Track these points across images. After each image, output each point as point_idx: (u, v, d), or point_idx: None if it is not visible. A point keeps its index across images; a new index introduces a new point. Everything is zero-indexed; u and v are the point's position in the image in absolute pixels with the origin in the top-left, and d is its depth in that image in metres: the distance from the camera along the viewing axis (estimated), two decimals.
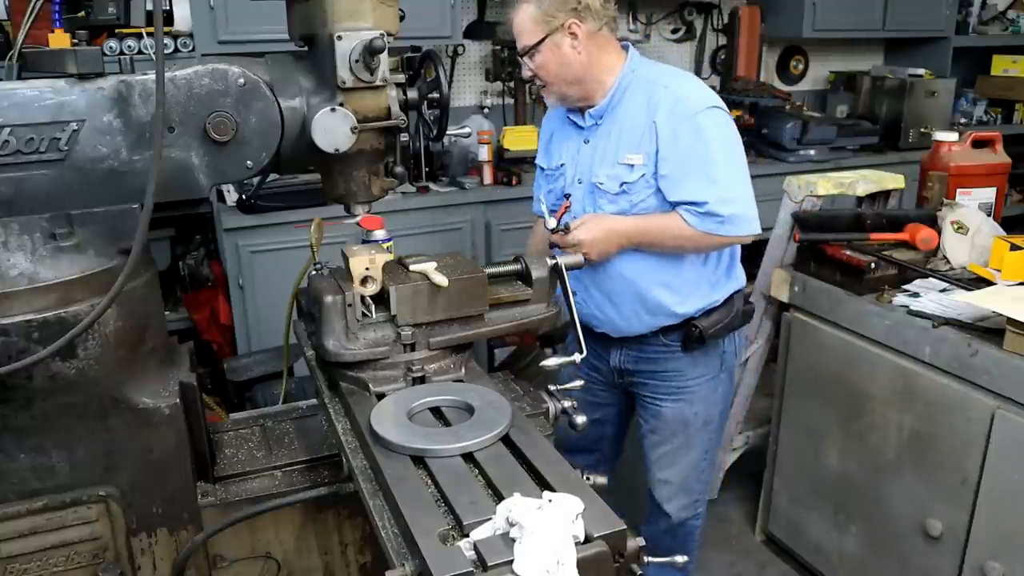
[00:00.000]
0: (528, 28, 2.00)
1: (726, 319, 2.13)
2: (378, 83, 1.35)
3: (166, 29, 3.07)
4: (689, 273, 2.09)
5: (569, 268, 1.62)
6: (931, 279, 2.35)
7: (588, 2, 1.97)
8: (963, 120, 4.96)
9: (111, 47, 3.05)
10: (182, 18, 3.17)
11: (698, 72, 4.66)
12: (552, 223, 2.03)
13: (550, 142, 2.26)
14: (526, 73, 2.11)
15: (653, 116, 1.97)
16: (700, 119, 1.95)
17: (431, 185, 3.60)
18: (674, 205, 1.99)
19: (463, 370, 1.42)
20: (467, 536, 0.97)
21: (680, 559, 1.16)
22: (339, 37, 1.30)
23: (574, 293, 1.64)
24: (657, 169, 1.98)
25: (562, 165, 2.17)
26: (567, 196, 2.14)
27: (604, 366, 2.28)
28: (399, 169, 1.45)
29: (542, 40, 1.99)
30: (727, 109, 2.05)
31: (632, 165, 2.00)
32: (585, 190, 2.10)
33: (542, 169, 2.28)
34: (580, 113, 2.12)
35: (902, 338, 2.24)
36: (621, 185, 2.02)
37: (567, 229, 1.99)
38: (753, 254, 3.48)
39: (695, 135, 1.94)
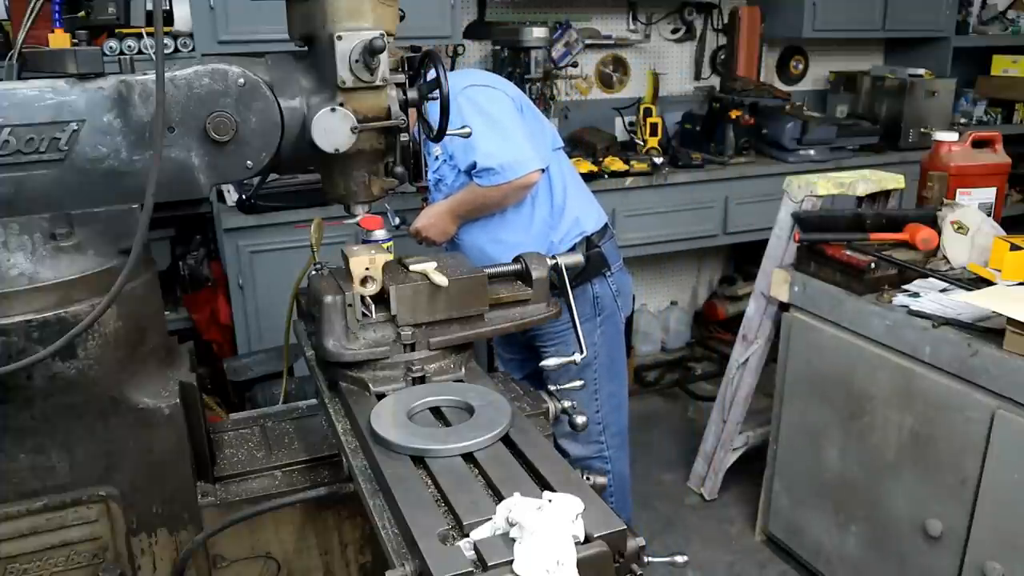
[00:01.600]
0: None
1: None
2: (378, 83, 1.35)
3: (166, 29, 3.07)
4: (517, 227, 2.45)
5: (569, 268, 1.63)
6: (931, 279, 2.35)
7: None
8: (963, 120, 4.96)
9: (111, 47, 3.06)
10: (182, 18, 3.17)
11: (698, 72, 4.66)
12: (395, 221, 2.56)
13: None
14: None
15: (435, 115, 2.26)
16: (459, 100, 2.29)
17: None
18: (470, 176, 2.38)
19: (463, 370, 1.42)
20: (467, 536, 0.97)
21: (680, 559, 1.16)
22: (339, 37, 1.30)
23: (573, 293, 1.65)
24: (448, 152, 2.40)
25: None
26: (424, 200, 2.60)
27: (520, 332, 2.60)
28: (399, 169, 1.45)
29: None
30: (489, 83, 2.43)
31: (437, 157, 2.44)
32: (428, 194, 2.56)
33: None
34: None
35: (902, 338, 2.24)
36: (435, 173, 2.47)
37: (406, 224, 2.49)
38: (753, 254, 3.50)
39: (457, 115, 2.24)
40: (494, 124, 2.36)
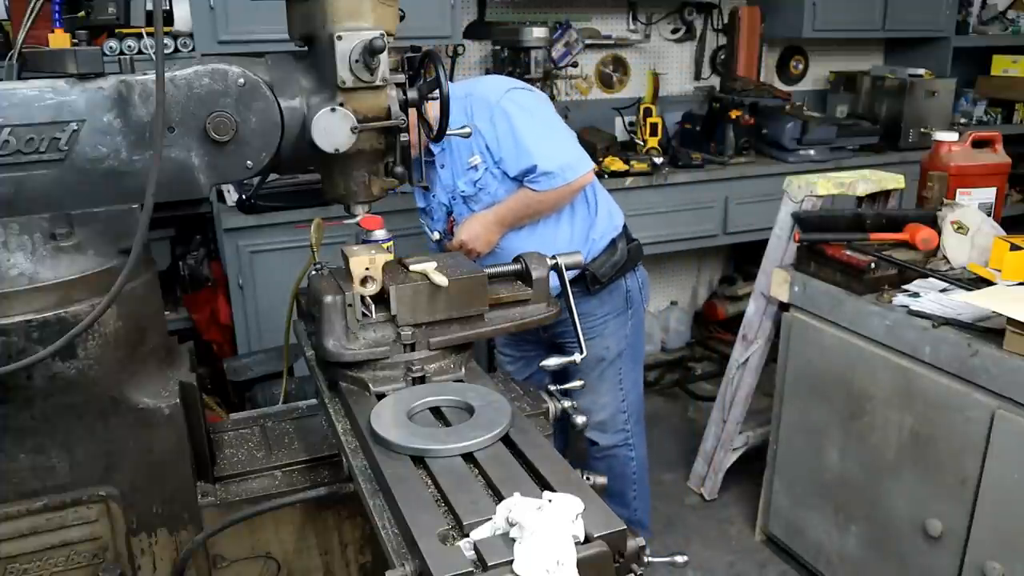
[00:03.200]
0: None
1: (612, 259, 2.49)
2: (378, 83, 1.35)
3: (166, 29, 3.07)
4: (560, 228, 2.43)
5: (569, 268, 1.63)
6: (931, 279, 2.35)
7: None
8: (963, 120, 4.96)
9: (111, 47, 3.05)
10: (182, 18, 3.17)
11: (698, 72, 4.66)
12: (436, 235, 2.45)
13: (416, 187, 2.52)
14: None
15: (474, 121, 2.28)
16: (504, 104, 2.27)
17: (431, 185, 3.60)
18: (519, 182, 2.33)
19: (463, 370, 1.42)
20: (467, 536, 0.97)
21: (680, 559, 1.16)
22: (339, 37, 1.30)
23: (573, 293, 1.66)
24: (493, 159, 2.31)
25: (433, 196, 2.49)
26: (449, 213, 2.47)
27: (531, 331, 2.53)
28: (399, 169, 1.45)
29: None
30: (526, 87, 2.40)
31: (475, 166, 2.34)
32: (459, 203, 2.43)
33: (422, 209, 2.60)
34: (426, 149, 2.41)
35: (902, 338, 2.24)
36: (475, 184, 2.36)
37: (450, 236, 2.37)
38: (753, 254, 3.50)
39: (505, 120, 2.26)
40: (545, 125, 2.33)
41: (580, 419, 1.46)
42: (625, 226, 2.57)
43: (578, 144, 2.39)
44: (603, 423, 2.66)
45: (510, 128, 2.26)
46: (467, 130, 1.79)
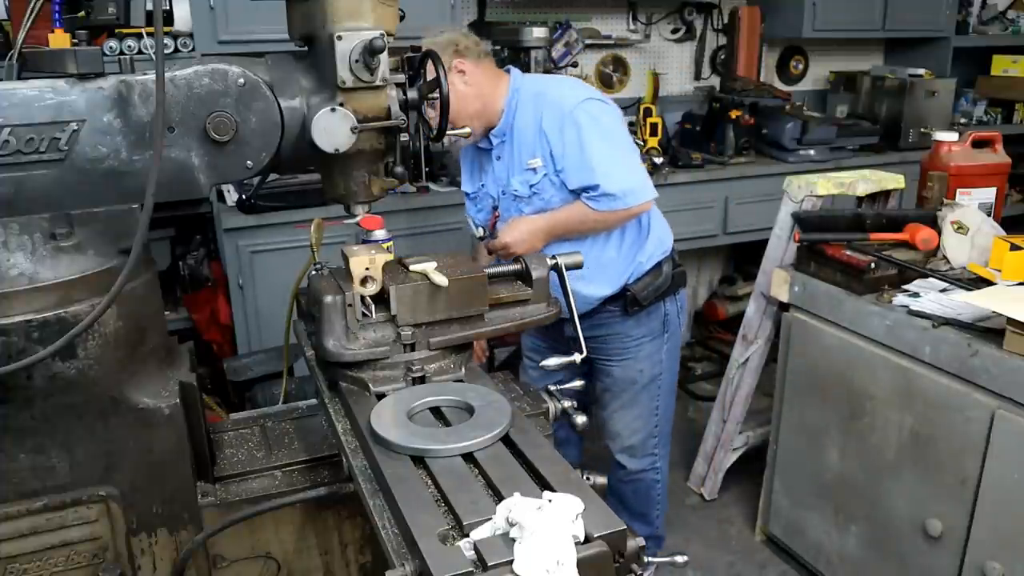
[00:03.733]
0: None
1: (655, 283, 2.42)
2: (378, 83, 1.35)
3: (166, 29, 3.07)
4: (608, 246, 2.36)
5: (569, 268, 1.63)
6: (931, 279, 2.35)
7: (464, 44, 2.28)
8: (963, 120, 4.96)
9: (111, 47, 3.06)
10: (182, 18, 3.17)
11: (698, 72, 4.66)
12: (479, 232, 2.35)
13: (471, 170, 2.52)
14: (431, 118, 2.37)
15: (541, 123, 2.25)
16: (577, 114, 2.21)
17: (431, 185, 3.60)
18: (577, 195, 2.26)
19: (463, 370, 1.41)
20: (467, 536, 0.97)
21: (680, 559, 1.16)
22: (339, 37, 1.30)
23: (574, 294, 1.65)
24: (555, 166, 2.25)
25: (483, 186, 2.44)
26: (495, 209, 2.42)
27: (557, 343, 2.51)
28: (399, 169, 1.45)
29: None
30: (603, 98, 2.32)
31: (534, 169, 2.28)
32: (508, 199, 2.37)
33: (467, 194, 2.54)
34: (486, 137, 2.38)
35: (902, 338, 2.24)
36: (530, 187, 2.30)
37: (493, 235, 2.29)
38: (753, 254, 3.50)
39: (575, 130, 2.20)
40: (615, 145, 2.26)
41: (580, 419, 1.46)
42: (673, 248, 2.50)
43: (643, 168, 2.33)
44: (632, 447, 2.61)
45: (579, 140, 2.20)
46: (467, 130, 1.78)
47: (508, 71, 2.38)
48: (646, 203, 2.27)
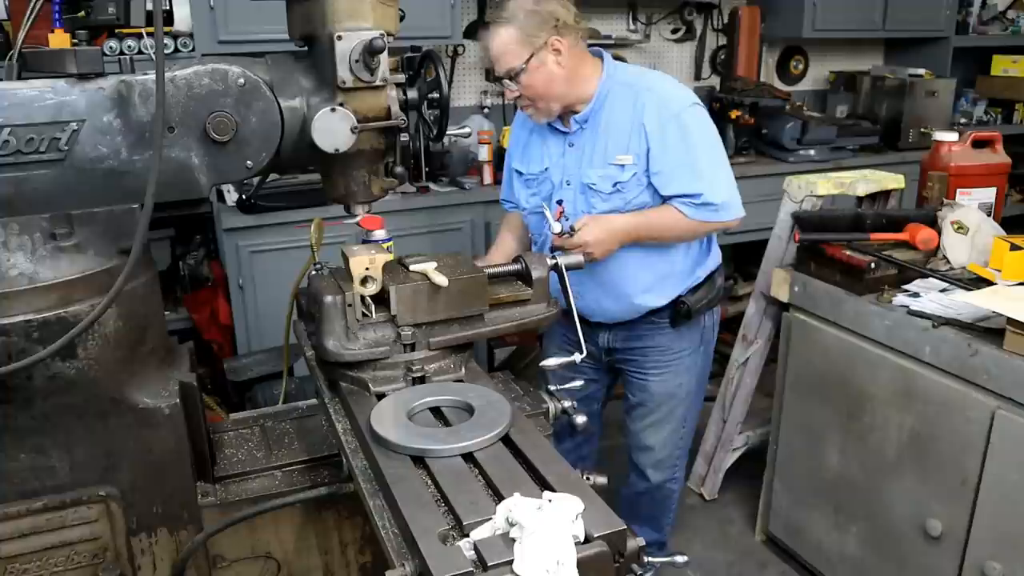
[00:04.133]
0: (512, 50, 2.08)
1: (709, 295, 2.34)
2: (378, 83, 1.35)
3: (166, 29, 3.07)
4: (676, 257, 2.25)
5: (569, 268, 1.63)
6: (931, 279, 2.34)
7: (564, 18, 2.07)
8: (963, 120, 4.96)
9: (111, 47, 3.05)
10: (182, 18, 3.17)
11: (698, 72, 4.66)
12: (557, 227, 2.05)
13: (526, 147, 2.33)
14: (510, 95, 2.18)
15: (641, 118, 2.09)
16: (684, 117, 2.09)
17: (431, 185, 3.60)
18: (666, 198, 2.13)
19: (463, 370, 1.42)
20: (467, 536, 0.97)
21: (680, 559, 1.16)
22: (339, 37, 1.30)
23: (576, 296, 1.65)
24: (648, 167, 2.10)
25: (546, 169, 2.25)
26: (559, 202, 2.22)
27: (593, 347, 2.38)
28: (399, 169, 1.45)
29: (528, 60, 2.07)
30: (704, 104, 2.20)
31: (623, 165, 2.11)
32: (575, 191, 2.19)
33: (519, 173, 2.34)
34: (560, 119, 2.21)
35: (902, 338, 2.24)
36: (615, 185, 2.13)
37: (572, 232, 2.04)
38: (753, 254, 3.49)
39: (681, 132, 2.08)
40: (720, 154, 2.17)
41: (580, 419, 1.46)
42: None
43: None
44: (661, 461, 2.53)
45: (686, 144, 2.08)
46: (467, 130, 1.79)
47: (599, 55, 2.23)
48: (737, 219, 2.18)
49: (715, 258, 2.37)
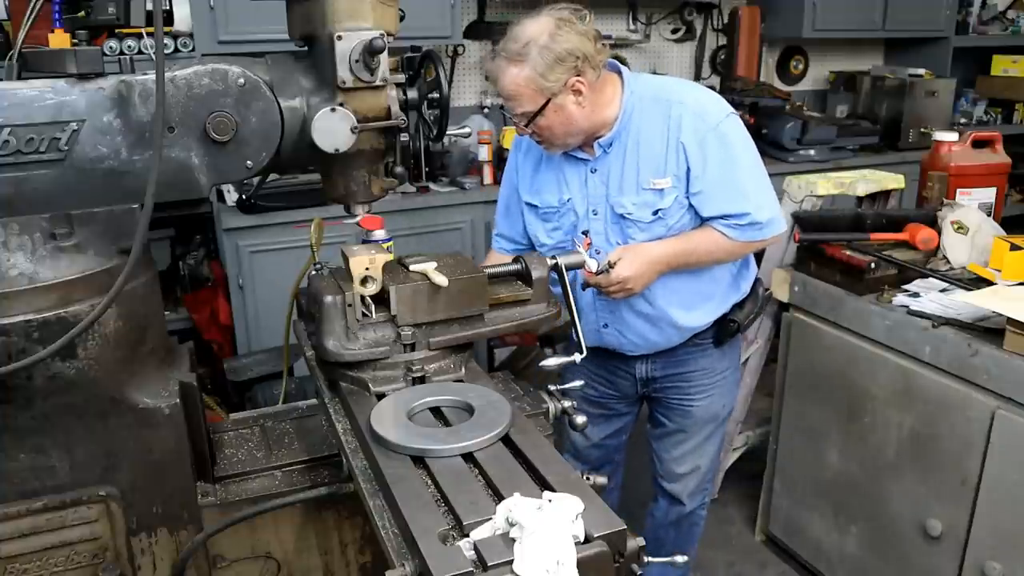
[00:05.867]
0: (525, 93, 1.83)
1: (755, 308, 2.17)
2: (378, 83, 1.35)
3: (166, 29, 3.07)
4: (720, 276, 2.08)
5: (569, 268, 1.62)
6: (931, 279, 2.35)
7: (585, 52, 1.81)
8: (963, 120, 4.97)
9: (111, 47, 3.06)
10: (182, 18, 3.18)
11: (698, 72, 4.66)
12: (594, 264, 1.84)
13: (535, 176, 2.08)
14: (521, 133, 1.97)
15: (678, 135, 1.89)
16: (724, 128, 1.90)
17: (431, 185, 3.61)
18: (705, 219, 1.94)
19: (463, 370, 1.41)
20: (467, 536, 0.97)
21: (680, 559, 1.16)
22: (339, 37, 1.30)
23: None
24: (688, 188, 1.91)
25: (568, 200, 2.01)
26: (585, 233, 2.01)
27: (628, 380, 2.23)
28: (399, 169, 1.45)
29: (544, 105, 1.84)
30: (736, 111, 2.01)
31: (661, 190, 1.91)
32: (605, 221, 1.98)
33: (533, 207, 2.08)
34: (580, 147, 1.98)
35: (902, 338, 2.24)
36: (655, 212, 1.92)
37: (609, 268, 1.86)
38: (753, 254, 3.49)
39: (722, 147, 1.89)
40: (761, 168, 1.97)
41: (580, 419, 1.46)
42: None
43: None
44: (698, 485, 2.34)
45: (728, 160, 1.89)
46: (467, 130, 1.78)
47: (618, 70, 1.98)
48: (779, 235, 2.00)
49: (753, 268, 2.21)
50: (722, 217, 1.92)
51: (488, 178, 3.68)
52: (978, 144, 2.72)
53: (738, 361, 2.29)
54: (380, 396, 1.33)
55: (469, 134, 1.86)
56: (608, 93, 1.94)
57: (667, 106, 1.91)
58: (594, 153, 1.98)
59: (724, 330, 2.13)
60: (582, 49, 1.81)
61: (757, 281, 2.22)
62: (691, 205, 1.93)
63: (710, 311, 2.11)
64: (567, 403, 1.48)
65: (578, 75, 1.82)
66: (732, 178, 1.90)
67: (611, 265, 1.86)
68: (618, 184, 1.95)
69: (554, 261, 1.59)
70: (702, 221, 1.95)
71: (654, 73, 4.43)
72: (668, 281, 1.98)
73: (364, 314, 1.38)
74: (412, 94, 1.42)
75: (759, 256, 2.88)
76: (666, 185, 1.90)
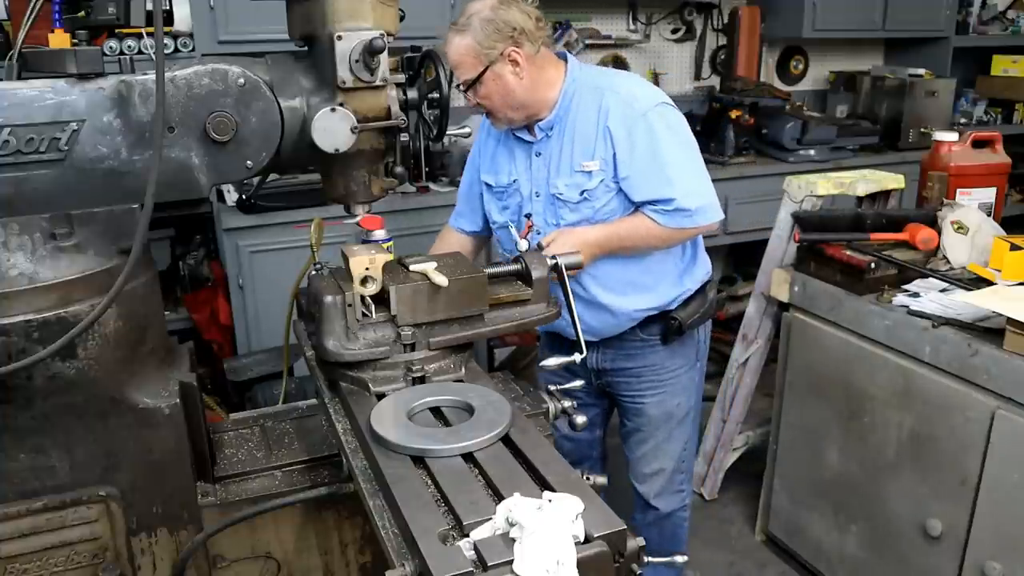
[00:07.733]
0: (467, 61, 1.96)
1: (702, 308, 2.20)
2: (378, 83, 1.35)
3: (166, 29, 3.07)
4: (655, 267, 2.12)
5: (569, 268, 1.63)
6: (931, 279, 2.35)
7: (523, 26, 1.94)
8: (963, 120, 4.96)
9: (111, 47, 3.05)
10: (182, 18, 3.17)
11: (698, 72, 4.66)
12: (524, 244, 2.00)
13: (494, 157, 2.20)
14: (470, 103, 2.07)
15: (605, 121, 1.98)
16: (651, 117, 1.98)
17: (431, 185, 3.60)
18: (638, 205, 2.01)
19: (463, 370, 1.42)
20: (467, 536, 0.97)
21: (680, 559, 1.16)
22: (339, 37, 1.31)
23: (574, 295, 1.64)
24: (616, 172, 1.99)
25: (515, 181, 2.13)
26: (528, 216, 2.11)
27: (582, 368, 2.23)
28: (399, 169, 1.45)
29: (483, 72, 1.95)
30: (674, 104, 2.09)
31: (590, 172, 2.00)
32: (544, 202, 2.08)
33: (489, 186, 2.20)
34: (526, 128, 2.09)
35: (902, 338, 2.24)
36: (582, 193, 2.01)
37: (539, 248, 1.90)
38: (753, 254, 3.50)
39: (649, 134, 1.97)
40: (691, 157, 2.05)
41: (580, 419, 1.46)
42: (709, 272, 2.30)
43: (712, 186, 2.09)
44: (665, 488, 2.37)
45: (653, 148, 1.96)
46: (467, 130, 1.78)
47: (564, 57, 2.10)
48: (714, 223, 2.04)
49: (703, 268, 2.24)
50: (650, 203, 1.99)
51: None
52: (978, 144, 2.72)
53: (694, 361, 2.30)
54: (380, 396, 1.33)
55: (469, 134, 1.87)
56: (551, 74, 2.05)
57: (600, 94, 2.01)
58: (536, 136, 2.08)
59: (668, 327, 2.17)
60: (520, 23, 1.94)
61: (708, 284, 2.25)
62: (620, 190, 2.01)
63: (647, 300, 2.14)
64: (567, 403, 1.48)
65: (516, 46, 1.94)
66: (657, 164, 1.97)
67: (541, 247, 1.92)
68: (556, 167, 2.05)
69: (554, 261, 1.59)
70: (635, 208, 2.03)
71: (654, 74, 4.44)
72: (599, 265, 2.04)
73: (364, 314, 1.38)
74: (412, 94, 1.42)
75: (756, 257, 2.89)
76: (594, 168, 2.00)
